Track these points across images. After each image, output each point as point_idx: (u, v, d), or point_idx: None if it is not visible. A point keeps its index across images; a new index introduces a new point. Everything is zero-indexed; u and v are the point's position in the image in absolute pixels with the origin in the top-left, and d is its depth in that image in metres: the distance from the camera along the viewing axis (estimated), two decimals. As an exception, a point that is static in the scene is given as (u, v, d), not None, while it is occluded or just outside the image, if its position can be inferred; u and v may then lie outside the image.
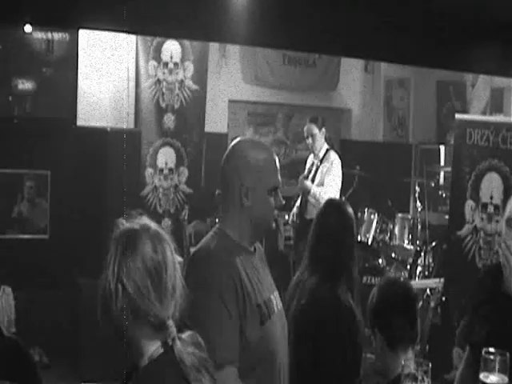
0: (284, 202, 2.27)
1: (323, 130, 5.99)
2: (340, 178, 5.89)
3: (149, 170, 6.46)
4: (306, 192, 5.81)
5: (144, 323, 1.63)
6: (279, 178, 2.25)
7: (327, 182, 5.77)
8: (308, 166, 6.11)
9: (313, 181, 5.86)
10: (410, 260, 6.22)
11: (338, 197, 5.70)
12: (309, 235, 3.14)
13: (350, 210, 3.16)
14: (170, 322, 1.65)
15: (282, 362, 2.22)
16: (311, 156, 6.16)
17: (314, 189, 5.73)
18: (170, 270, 1.66)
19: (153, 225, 1.72)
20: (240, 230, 2.19)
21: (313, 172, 5.93)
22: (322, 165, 5.90)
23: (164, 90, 6.47)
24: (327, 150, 6.01)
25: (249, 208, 2.18)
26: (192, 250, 6.12)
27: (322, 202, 5.44)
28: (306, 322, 2.83)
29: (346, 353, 2.81)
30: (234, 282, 2.08)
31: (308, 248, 3.11)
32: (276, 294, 2.31)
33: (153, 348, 1.65)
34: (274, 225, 2.28)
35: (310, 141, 6.00)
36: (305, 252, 3.14)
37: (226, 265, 2.09)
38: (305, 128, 6.09)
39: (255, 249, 2.29)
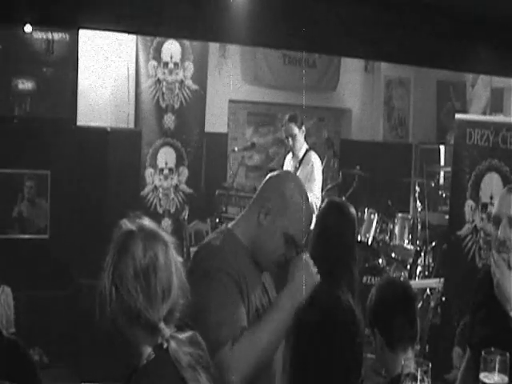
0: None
1: (303, 128, 5.71)
2: (320, 182, 5.65)
3: (149, 170, 6.47)
4: None
5: (138, 325, 1.64)
6: (302, 233, 2.20)
7: (310, 188, 5.38)
8: (286, 167, 5.86)
9: None
10: (410, 260, 6.22)
11: (318, 202, 5.47)
12: (310, 235, 3.14)
13: (352, 209, 3.15)
14: (162, 325, 1.65)
15: (278, 370, 2.22)
16: (289, 156, 5.93)
17: None
18: (160, 274, 1.65)
19: (151, 226, 1.72)
20: (248, 237, 2.18)
21: None
22: (302, 167, 5.64)
23: (164, 89, 6.47)
24: (307, 151, 5.73)
25: (261, 228, 2.16)
26: (192, 250, 6.11)
27: None
28: (306, 322, 2.83)
29: (347, 353, 2.81)
30: (238, 279, 2.07)
31: (309, 247, 3.10)
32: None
33: (149, 349, 1.66)
34: (273, 268, 2.22)
35: (289, 142, 5.71)
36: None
37: (231, 262, 2.08)
38: (283, 128, 5.81)
39: None
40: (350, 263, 3.02)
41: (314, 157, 5.69)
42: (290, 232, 2.16)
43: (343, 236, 3.05)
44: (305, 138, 5.81)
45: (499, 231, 2.30)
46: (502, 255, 2.29)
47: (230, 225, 2.25)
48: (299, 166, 5.69)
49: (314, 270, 2.17)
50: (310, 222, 2.28)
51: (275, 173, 2.32)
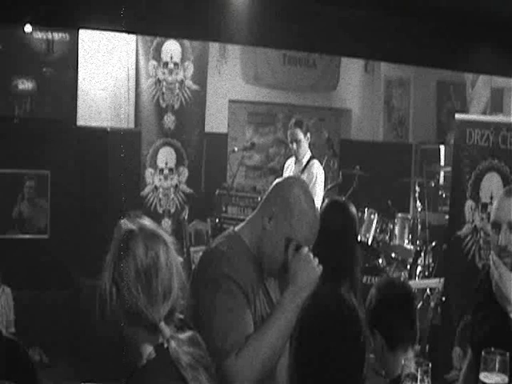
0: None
1: (308, 135, 5.67)
2: (322, 193, 5.60)
3: (149, 170, 6.47)
4: None
5: (138, 324, 1.64)
6: (305, 238, 2.16)
7: None
8: (287, 171, 5.80)
9: None
10: (410, 260, 6.22)
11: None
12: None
13: (353, 209, 3.14)
14: (163, 325, 1.64)
15: (281, 376, 2.19)
16: (291, 160, 5.86)
17: None
18: (161, 274, 1.65)
19: (151, 226, 1.71)
20: (253, 241, 2.16)
21: None
22: (304, 174, 5.57)
23: (164, 89, 6.47)
24: (310, 158, 5.68)
25: (265, 233, 2.14)
26: (192, 250, 6.08)
27: None
28: (310, 323, 2.82)
29: (350, 353, 2.80)
30: (244, 287, 2.07)
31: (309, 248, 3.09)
32: None
33: (150, 349, 1.65)
34: (277, 273, 2.19)
35: (294, 146, 5.65)
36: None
37: (238, 269, 2.07)
38: (288, 132, 5.76)
39: None
40: (353, 263, 3.01)
41: (317, 166, 5.62)
42: (293, 237, 2.13)
43: (345, 236, 3.04)
44: (309, 145, 5.74)
45: (500, 237, 2.28)
46: (503, 260, 2.28)
47: (236, 228, 2.23)
48: (301, 172, 5.61)
49: (315, 262, 2.14)
50: (316, 230, 2.23)
51: (282, 178, 2.30)
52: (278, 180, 2.27)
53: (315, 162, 5.68)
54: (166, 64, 6.46)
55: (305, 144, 5.68)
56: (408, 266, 6.19)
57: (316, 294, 2.87)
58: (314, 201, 2.23)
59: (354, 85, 8.16)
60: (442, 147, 7.85)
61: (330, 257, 2.95)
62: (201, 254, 2.28)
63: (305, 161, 5.69)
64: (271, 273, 2.21)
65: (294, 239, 2.14)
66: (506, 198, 2.34)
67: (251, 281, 2.09)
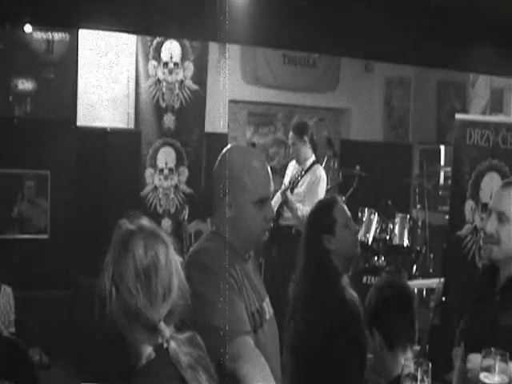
0: (275, 214, 2.21)
1: (305, 138, 5.64)
2: (323, 196, 5.50)
3: (149, 170, 6.46)
4: (287, 206, 5.44)
5: (138, 325, 1.64)
6: (268, 189, 2.18)
7: (311, 201, 5.21)
8: (290, 173, 5.75)
9: (294, 188, 5.53)
10: (410, 260, 6.22)
11: None
12: (305, 235, 3.11)
13: (339, 205, 3.10)
14: (162, 325, 1.64)
15: (275, 373, 2.16)
16: (293, 163, 5.84)
17: (297, 206, 5.38)
18: (161, 274, 1.65)
19: (151, 226, 1.71)
20: (233, 237, 2.16)
21: (295, 180, 5.56)
22: (308, 176, 5.57)
23: (164, 89, 6.47)
24: (313, 163, 5.65)
25: (233, 220, 2.14)
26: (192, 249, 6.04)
27: (302, 218, 5.35)
28: (310, 322, 2.81)
29: (352, 353, 2.79)
30: (237, 281, 2.08)
31: (305, 250, 3.08)
32: (267, 300, 2.30)
33: (149, 349, 1.65)
34: (265, 237, 2.21)
35: (292, 149, 5.70)
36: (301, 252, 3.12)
37: (224, 261, 2.08)
38: (289, 135, 5.79)
39: (249, 255, 2.28)
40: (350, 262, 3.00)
41: (321, 171, 5.61)
42: (257, 197, 2.13)
43: (333, 234, 3.01)
44: (314, 150, 5.70)
45: (487, 224, 2.34)
46: (487, 246, 2.34)
47: (214, 228, 2.23)
48: (305, 173, 5.59)
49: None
50: (269, 177, 2.21)
51: (217, 161, 2.23)
52: (214, 167, 2.22)
53: (319, 167, 5.65)
54: (165, 64, 6.46)
55: (305, 147, 5.64)
56: (408, 266, 6.19)
57: (314, 295, 2.88)
58: (254, 152, 2.27)
59: (354, 85, 8.15)
60: (442, 147, 7.85)
61: (324, 257, 2.94)
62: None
63: (308, 164, 5.65)
64: (247, 258, 2.23)
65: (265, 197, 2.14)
66: (501, 189, 2.42)
67: (237, 270, 2.12)
